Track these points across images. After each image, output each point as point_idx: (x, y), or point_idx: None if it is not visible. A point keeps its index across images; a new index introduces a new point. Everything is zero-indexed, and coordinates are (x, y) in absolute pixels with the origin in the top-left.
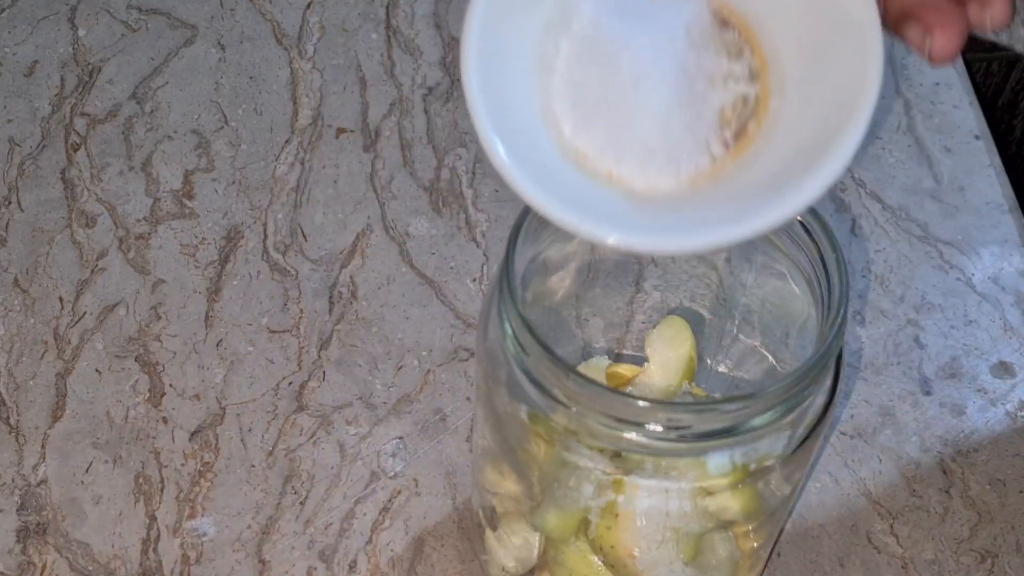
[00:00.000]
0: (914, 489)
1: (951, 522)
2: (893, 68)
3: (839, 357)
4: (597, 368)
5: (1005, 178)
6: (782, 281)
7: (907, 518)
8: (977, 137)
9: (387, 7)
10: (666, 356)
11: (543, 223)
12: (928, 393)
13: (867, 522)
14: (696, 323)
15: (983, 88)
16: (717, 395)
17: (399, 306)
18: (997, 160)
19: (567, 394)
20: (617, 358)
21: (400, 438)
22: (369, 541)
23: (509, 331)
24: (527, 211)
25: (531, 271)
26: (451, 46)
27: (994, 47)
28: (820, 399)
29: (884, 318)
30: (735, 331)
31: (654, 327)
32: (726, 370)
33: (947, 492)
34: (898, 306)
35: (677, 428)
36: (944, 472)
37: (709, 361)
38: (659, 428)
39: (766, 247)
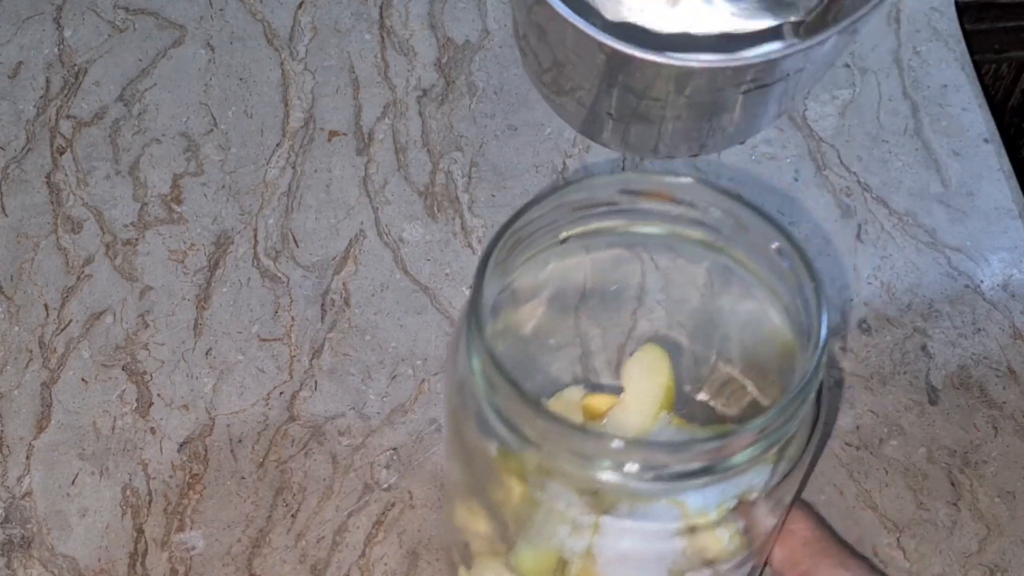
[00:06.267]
0: (921, 502)
1: (959, 535)
2: (900, 70)
3: (820, 390)
4: (570, 400)
5: (1015, 182)
6: (762, 310)
7: (914, 531)
8: (986, 140)
9: (381, 7)
10: (643, 386)
11: (515, 248)
12: (935, 403)
13: (873, 535)
14: (675, 352)
15: (992, 91)
16: (698, 424)
17: (393, 314)
18: (1007, 164)
19: (538, 433)
20: (594, 388)
21: (394, 449)
22: (362, 555)
23: (477, 367)
24: (498, 236)
25: (502, 300)
26: (446, 47)
27: (1003, 49)
28: (803, 432)
29: (890, 326)
30: (714, 359)
31: (631, 355)
32: (705, 399)
33: (955, 505)
34: (905, 314)
35: (653, 468)
36: (952, 484)
37: (688, 389)
38: (634, 468)
39: (745, 274)
